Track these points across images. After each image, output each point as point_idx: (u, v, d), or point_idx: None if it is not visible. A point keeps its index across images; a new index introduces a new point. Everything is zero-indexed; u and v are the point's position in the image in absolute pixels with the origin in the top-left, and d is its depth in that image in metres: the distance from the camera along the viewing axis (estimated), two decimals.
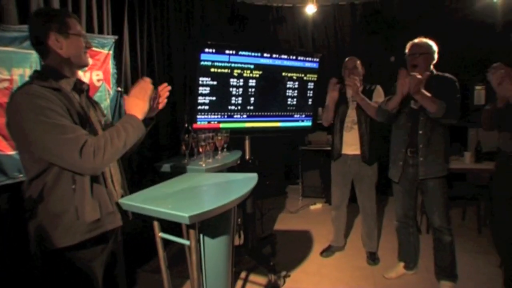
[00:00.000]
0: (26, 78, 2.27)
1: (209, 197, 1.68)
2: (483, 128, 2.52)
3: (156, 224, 1.69)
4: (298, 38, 5.86)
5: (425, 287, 2.93)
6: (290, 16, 5.80)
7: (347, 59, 3.28)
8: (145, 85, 1.60)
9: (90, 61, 1.69)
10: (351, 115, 3.23)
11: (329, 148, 3.67)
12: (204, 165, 2.30)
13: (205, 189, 1.77)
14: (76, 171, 1.44)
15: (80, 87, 1.63)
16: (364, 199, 3.35)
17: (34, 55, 2.32)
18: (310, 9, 5.13)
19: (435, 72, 2.73)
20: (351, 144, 3.25)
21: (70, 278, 1.51)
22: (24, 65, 2.28)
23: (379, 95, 3.16)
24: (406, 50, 2.76)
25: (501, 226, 2.50)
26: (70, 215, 1.46)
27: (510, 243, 2.45)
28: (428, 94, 2.51)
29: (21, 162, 1.50)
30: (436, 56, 2.72)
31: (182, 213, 1.36)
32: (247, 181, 1.81)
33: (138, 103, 1.57)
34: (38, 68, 2.30)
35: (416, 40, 2.75)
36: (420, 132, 2.69)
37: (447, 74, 2.69)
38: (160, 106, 1.80)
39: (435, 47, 2.71)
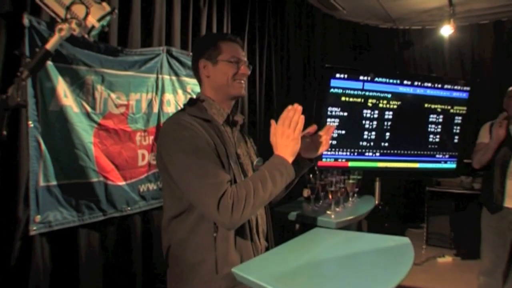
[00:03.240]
0: (143, 103, 2.16)
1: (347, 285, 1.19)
2: None
3: None
4: (427, 63, 5.24)
5: None
6: (419, 39, 5.24)
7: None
8: (295, 116, 1.26)
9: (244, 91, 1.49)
10: None
11: (462, 191, 3.03)
12: (333, 216, 1.90)
13: (342, 267, 1.28)
14: (212, 220, 1.26)
15: (234, 120, 1.48)
16: None
17: (151, 79, 2.21)
18: (446, 31, 4.48)
19: None
20: None
21: None
22: (141, 90, 2.16)
23: None
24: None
25: None
26: (208, 266, 1.28)
27: None
28: None
29: (163, 196, 1.39)
30: None
31: None
32: (397, 256, 1.33)
33: (287, 141, 1.27)
34: (155, 92, 2.22)
35: None
36: None
37: None
38: (325, 147, 1.50)
39: None
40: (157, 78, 2.27)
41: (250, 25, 3.07)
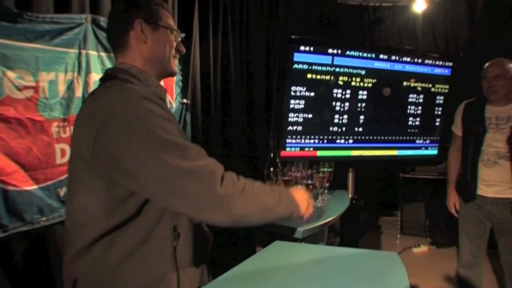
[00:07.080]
0: (60, 85, 1.69)
1: None
2: None
3: None
4: (399, 42, 5.00)
5: None
6: (390, 16, 5.01)
7: (488, 64, 2.31)
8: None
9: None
10: (495, 144, 2.25)
11: (437, 177, 2.83)
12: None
13: None
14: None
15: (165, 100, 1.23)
16: None
17: (71, 55, 1.75)
18: (420, 6, 4.21)
19: None
20: (493, 184, 2.28)
21: None
22: (57, 68, 1.70)
23: None
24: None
25: None
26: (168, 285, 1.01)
27: None
28: None
29: (80, 205, 0.99)
30: None
31: None
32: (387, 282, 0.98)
33: (304, 200, 1.22)
34: (77, 71, 1.77)
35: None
36: None
37: None
38: None
39: None
40: (80, 54, 1.82)
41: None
